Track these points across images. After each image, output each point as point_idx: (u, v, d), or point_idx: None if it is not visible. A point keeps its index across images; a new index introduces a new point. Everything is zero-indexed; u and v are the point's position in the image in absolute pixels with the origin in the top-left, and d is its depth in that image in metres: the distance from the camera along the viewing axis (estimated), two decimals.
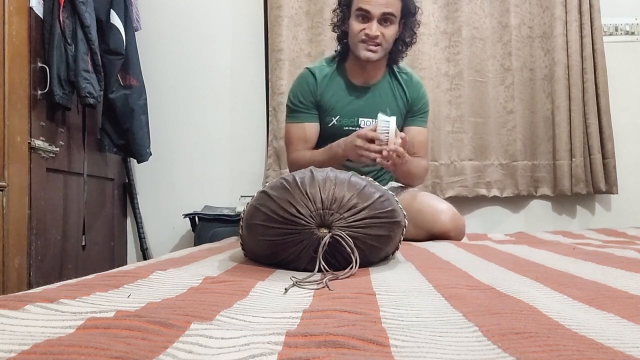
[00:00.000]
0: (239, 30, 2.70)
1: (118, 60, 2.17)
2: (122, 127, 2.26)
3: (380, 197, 1.01)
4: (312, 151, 1.82)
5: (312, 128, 1.84)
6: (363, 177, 1.07)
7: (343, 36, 1.81)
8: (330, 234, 0.94)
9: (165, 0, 2.69)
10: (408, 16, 1.75)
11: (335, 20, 1.82)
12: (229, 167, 2.67)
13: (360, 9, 1.68)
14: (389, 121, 1.54)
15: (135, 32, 2.38)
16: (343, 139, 1.67)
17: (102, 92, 2.01)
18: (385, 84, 1.84)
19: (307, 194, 0.96)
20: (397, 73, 1.85)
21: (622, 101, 2.62)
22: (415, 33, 1.80)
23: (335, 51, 1.88)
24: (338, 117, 1.81)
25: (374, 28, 1.66)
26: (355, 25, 1.70)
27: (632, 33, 2.69)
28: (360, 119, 1.81)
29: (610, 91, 2.56)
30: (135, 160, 2.44)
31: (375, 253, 1.04)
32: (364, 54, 1.70)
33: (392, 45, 1.76)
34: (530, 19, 2.60)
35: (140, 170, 2.63)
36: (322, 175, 1.01)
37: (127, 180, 2.60)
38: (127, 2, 2.26)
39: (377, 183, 1.08)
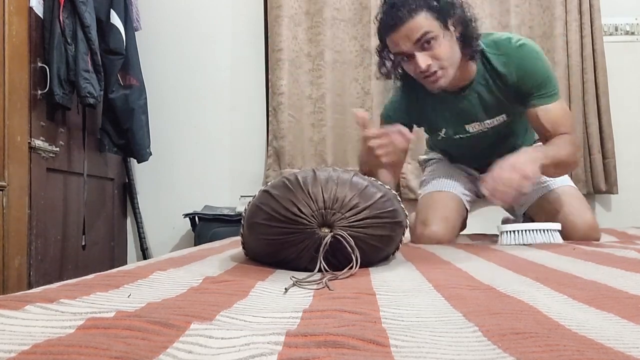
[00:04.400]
0: (239, 30, 2.70)
1: (118, 60, 2.17)
2: (122, 127, 2.26)
3: (381, 197, 1.01)
4: None
5: None
6: (365, 177, 1.07)
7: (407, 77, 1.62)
8: (332, 233, 0.94)
9: (165, 0, 2.70)
10: (448, 14, 1.47)
11: (384, 70, 1.60)
12: (229, 167, 2.67)
13: (396, 54, 1.51)
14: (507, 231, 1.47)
15: (135, 32, 2.38)
16: None
17: (102, 92, 2.02)
18: (479, 80, 1.60)
19: (309, 193, 0.96)
20: (488, 57, 1.58)
21: (622, 101, 2.63)
22: (468, 19, 1.51)
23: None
24: (444, 130, 1.71)
25: (420, 62, 1.46)
26: (407, 68, 1.53)
27: (632, 33, 2.69)
28: (465, 126, 1.68)
29: (610, 91, 2.56)
30: (135, 160, 2.44)
31: (376, 253, 1.04)
32: (432, 88, 1.54)
33: (456, 53, 1.50)
34: (530, 19, 2.61)
35: (140, 170, 2.63)
36: (324, 175, 1.01)
37: (127, 180, 2.60)
38: (127, 2, 2.26)
39: (379, 183, 1.08)
